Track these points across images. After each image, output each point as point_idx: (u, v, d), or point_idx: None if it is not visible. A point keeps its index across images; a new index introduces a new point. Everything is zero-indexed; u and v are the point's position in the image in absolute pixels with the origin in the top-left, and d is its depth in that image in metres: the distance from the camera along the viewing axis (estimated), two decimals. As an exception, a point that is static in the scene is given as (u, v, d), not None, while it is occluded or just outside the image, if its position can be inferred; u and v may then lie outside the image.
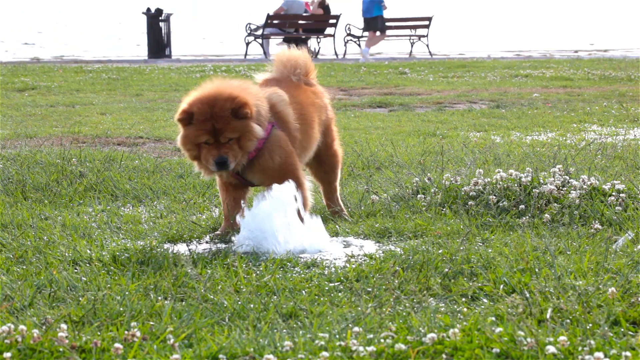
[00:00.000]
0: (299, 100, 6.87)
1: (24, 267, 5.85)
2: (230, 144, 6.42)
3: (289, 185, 6.35)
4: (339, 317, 4.86)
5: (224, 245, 6.47)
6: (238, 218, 6.43)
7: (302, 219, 6.36)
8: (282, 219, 6.27)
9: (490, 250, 6.02)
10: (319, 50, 33.28)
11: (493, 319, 4.73)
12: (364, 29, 32.17)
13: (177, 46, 34.85)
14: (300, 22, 31.89)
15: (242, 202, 6.72)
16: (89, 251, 6.15)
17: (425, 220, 6.99)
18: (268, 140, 6.59)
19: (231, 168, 6.46)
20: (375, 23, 31.79)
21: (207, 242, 6.62)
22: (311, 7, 32.50)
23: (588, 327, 4.63)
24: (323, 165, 7.30)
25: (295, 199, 6.32)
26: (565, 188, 7.30)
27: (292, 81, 7.05)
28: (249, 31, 31.97)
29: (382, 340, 4.46)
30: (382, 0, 31.73)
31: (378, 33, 31.87)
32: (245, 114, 6.39)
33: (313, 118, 6.97)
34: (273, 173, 6.57)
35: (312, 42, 33.35)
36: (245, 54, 32.20)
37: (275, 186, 6.33)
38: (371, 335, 4.52)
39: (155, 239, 6.61)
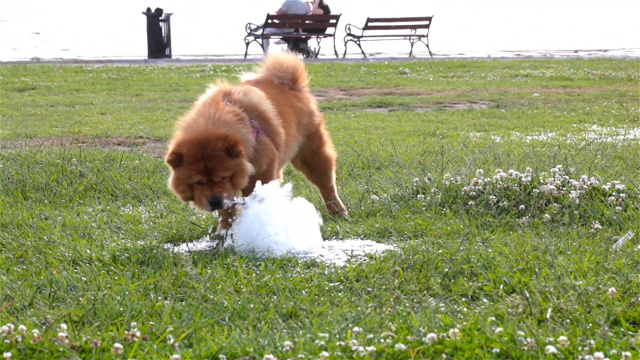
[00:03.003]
0: (275, 99, 6.84)
1: (24, 267, 5.85)
2: (223, 182, 6.35)
3: (275, 184, 6.37)
4: (339, 317, 4.86)
5: (223, 245, 6.46)
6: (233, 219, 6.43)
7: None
8: (276, 218, 6.28)
9: (490, 250, 6.02)
10: (319, 50, 33.26)
11: (493, 319, 4.73)
12: None
13: (177, 46, 34.83)
14: (300, 22, 31.88)
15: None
16: (89, 251, 6.15)
17: (425, 220, 6.99)
18: (255, 149, 6.55)
19: (225, 207, 6.38)
20: None
21: (207, 242, 6.62)
22: (311, 7, 32.49)
23: (588, 327, 4.63)
24: (314, 170, 7.29)
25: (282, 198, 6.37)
26: (565, 188, 7.29)
27: (273, 82, 7.03)
28: (249, 31, 31.96)
29: (382, 340, 4.46)
30: None
31: None
32: (239, 152, 6.33)
33: (291, 118, 6.95)
34: (259, 177, 6.53)
35: (312, 42, 33.34)
36: (245, 54, 32.19)
37: (266, 187, 6.35)
38: (371, 335, 4.53)
39: (155, 239, 6.61)
